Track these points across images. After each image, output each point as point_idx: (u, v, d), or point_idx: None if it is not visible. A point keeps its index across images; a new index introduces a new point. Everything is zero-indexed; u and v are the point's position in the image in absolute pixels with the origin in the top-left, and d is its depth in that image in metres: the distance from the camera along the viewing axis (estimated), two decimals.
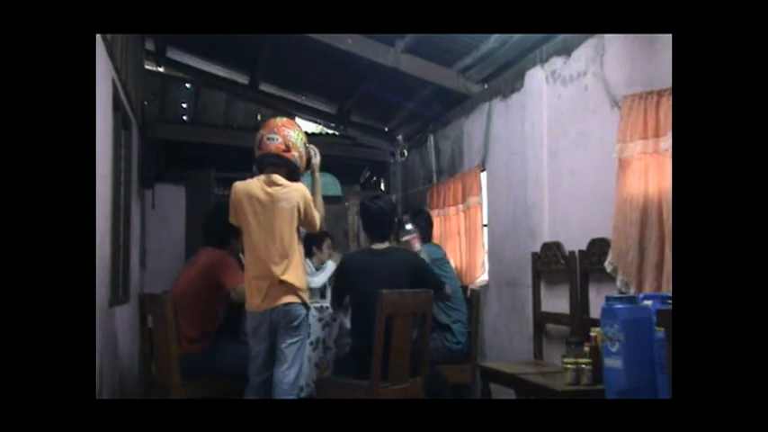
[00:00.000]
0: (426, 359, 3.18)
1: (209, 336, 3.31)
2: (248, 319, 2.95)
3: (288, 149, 2.98)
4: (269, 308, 2.87)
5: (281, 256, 2.89)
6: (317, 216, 3.05)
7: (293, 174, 3.02)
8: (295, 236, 2.95)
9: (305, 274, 3.08)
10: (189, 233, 5.81)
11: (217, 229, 3.42)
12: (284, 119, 3.12)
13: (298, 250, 2.97)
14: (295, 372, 2.91)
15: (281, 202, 2.92)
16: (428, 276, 3.33)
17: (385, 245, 3.36)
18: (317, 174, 3.18)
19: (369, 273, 3.21)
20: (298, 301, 2.91)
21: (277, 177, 2.96)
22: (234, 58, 5.84)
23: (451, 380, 3.67)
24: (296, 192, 2.96)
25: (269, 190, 2.93)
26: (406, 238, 4.02)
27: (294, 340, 2.90)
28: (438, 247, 4.25)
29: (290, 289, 2.89)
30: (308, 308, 2.98)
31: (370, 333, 2.94)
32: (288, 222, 2.92)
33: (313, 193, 3.08)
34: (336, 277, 3.47)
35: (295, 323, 2.89)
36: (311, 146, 3.14)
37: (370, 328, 2.94)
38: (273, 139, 2.97)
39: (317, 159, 3.14)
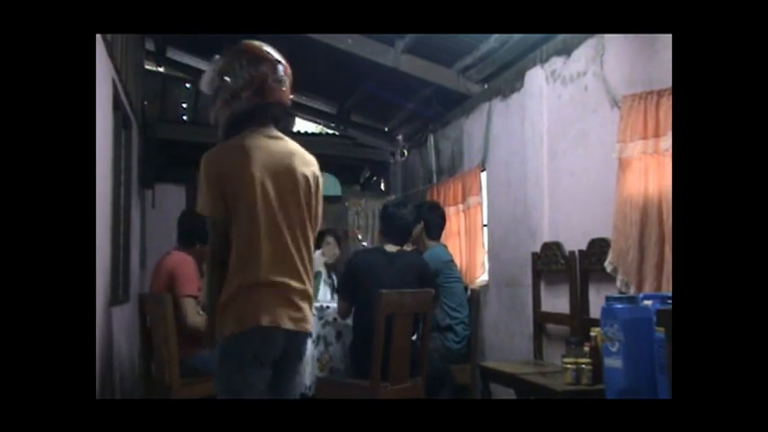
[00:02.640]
0: (426, 359, 3.19)
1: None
2: (249, 338, 1.97)
3: (289, 94, 2.12)
4: (283, 328, 1.98)
5: (306, 254, 2.06)
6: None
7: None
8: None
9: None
10: None
11: (187, 230, 3.39)
12: (268, 46, 2.10)
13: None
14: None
15: (302, 167, 2.07)
16: (432, 285, 3.34)
17: (396, 248, 3.39)
18: None
19: (374, 273, 3.23)
20: (311, 325, 2.14)
21: (278, 133, 2.10)
22: None
23: None
24: (311, 157, 2.16)
25: (286, 150, 2.07)
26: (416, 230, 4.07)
27: (299, 370, 2.19)
28: (446, 248, 4.25)
29: (309, 307, 2.08)
30: None
31: (370, 333, 2.94)
32: (312, 198, 2.10)
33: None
34: (344, 277, 3.46)
35: (304, 355, 2.19)
36: None
37: (370, 328, 2.95)
38: (283, 82, 2.06)
39: None
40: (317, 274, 4.56)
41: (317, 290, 4.44)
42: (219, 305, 1.99)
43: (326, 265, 4.61)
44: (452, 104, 4.95)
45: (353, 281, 3.32)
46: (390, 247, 3.39)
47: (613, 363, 2.28)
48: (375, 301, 2.96)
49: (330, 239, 4.70)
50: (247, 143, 2.02)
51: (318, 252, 4.51)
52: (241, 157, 1.99)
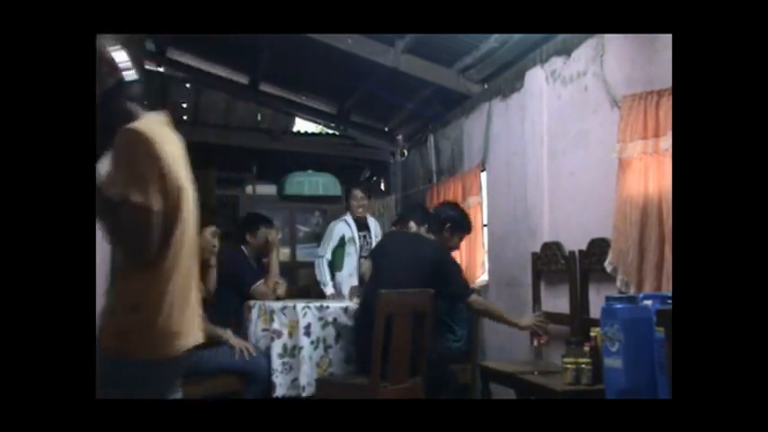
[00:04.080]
0: (425, 359, 3.19)
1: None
2: (180, 362, 1.79)
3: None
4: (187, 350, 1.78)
5: None
6: None
7: None
8: None
9: None
10: None
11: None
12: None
13: None
14: None
15: None
16: (451, 276, 3.42)
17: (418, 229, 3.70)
18: None
19: (388, 255, 3.39)
20: None
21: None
22: (234, 58, 5.83)
23: None
24: None
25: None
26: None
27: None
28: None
29: None
30: None
31: (370, 330, 2.96)
32: None
33: None
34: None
35: None
36: None
37: (371, 323, 2.97)
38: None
39: None
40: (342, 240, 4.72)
41: (341, 259, 4.56)
42: (132, 317, 1.79)
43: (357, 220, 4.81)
44: (452, 104, 4.95)
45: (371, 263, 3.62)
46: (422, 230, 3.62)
47: (613, 363, 2.28)
48: (380, 285, 3.07)
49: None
50: (165, 126, 1.78)
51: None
52: (171, 143, 1.75)
